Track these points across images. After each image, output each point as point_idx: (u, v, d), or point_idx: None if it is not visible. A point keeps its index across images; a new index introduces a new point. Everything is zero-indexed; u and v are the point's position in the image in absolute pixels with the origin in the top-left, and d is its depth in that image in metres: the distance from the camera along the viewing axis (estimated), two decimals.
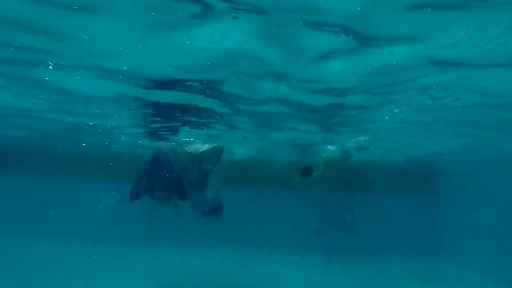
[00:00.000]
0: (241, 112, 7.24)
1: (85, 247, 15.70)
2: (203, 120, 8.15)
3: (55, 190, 16.07)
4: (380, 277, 14.69)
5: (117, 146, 13.16)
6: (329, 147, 12.50)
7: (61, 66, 4.84)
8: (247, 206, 16.28)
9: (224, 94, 6.02)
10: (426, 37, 3.64)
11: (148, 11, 3.29)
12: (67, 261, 15.06)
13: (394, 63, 4.33)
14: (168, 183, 8.45)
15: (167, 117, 7.94)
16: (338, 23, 3.38)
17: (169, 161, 8.88)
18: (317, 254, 16.03)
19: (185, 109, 7.11)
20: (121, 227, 15.93)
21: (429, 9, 3.11)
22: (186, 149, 10.28)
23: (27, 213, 15.87)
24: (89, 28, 3.68)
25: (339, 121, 7.89)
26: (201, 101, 6.48)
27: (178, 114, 7.65)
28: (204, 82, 5.36)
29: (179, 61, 4.53)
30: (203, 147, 10.31)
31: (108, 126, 9.34)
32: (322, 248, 16.07)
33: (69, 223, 15.87)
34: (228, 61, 4.44)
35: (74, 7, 3.27)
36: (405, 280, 14.24)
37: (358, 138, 10.03)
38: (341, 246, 16.08)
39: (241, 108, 6.89)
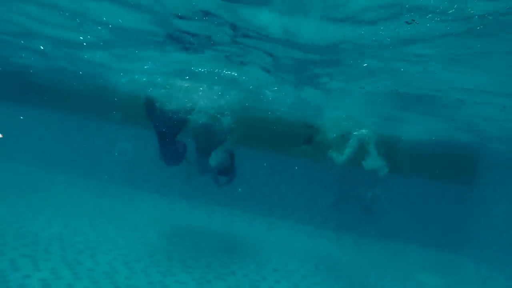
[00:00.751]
0: None
1: (97, 186, 15.73)
2: None
3: (75, 127, 16.04)
4: (392, 263, 13.70)
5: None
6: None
7: None
8: (262, 169, 15.57)
9: None
10: None
11: None
12: (77, 197, 15.15)
13: None
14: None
15: None
16: None
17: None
18: (330, 229, 15.20)
19: None
20: (135, 172, 15.76)
21: None
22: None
23: (46, 145, 16.02)
24: None
25: None
26: None
27: None
28: None
29: None
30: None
31: None
32: (335, 223, 15.20)
33: (84, 161, 15.88)
34: None
35: None
36: (418, 270, 13.17)
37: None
38: (356, 224, 15.13)
39: None
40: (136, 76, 11.37)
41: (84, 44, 8.75)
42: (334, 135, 12.66)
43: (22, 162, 16.15)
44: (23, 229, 9.48)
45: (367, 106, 10.21)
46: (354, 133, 12.52)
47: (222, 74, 9.42)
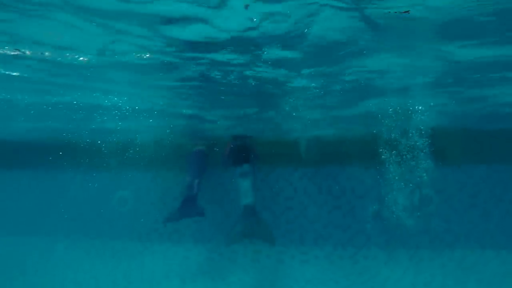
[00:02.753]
0: None
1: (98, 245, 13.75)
2: None
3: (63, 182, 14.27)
4: (469, 278, 10.88)
5: None
6: None
7: None
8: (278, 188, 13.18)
9: None
10: None
11: None
12: (75, 265, 13.23)
13: None
14: None
15: None
16: None
17: None
18: (376, 246, 12.50)
19: None
20: (139, 221, 13.71)
21: None
22: None
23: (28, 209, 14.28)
24: None
25: None
26: None
27: None
28: None
29: None
30: None
31: None
32: (381, 238, 12.50)
33: (77, 218, 14.00)
34: None
35: None
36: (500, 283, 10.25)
37: None
38: (407, 236, 12.38)
39: None
40: None
41: None
42: None
43: (8, 233, 14.41)
44: None
45: None
46: None
47: None
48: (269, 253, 12.88)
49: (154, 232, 13.63)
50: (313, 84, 7.72)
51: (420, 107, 10.12)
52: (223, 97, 8.64)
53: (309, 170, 13.11)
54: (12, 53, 5.78)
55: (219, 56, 6.08)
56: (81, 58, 6.07)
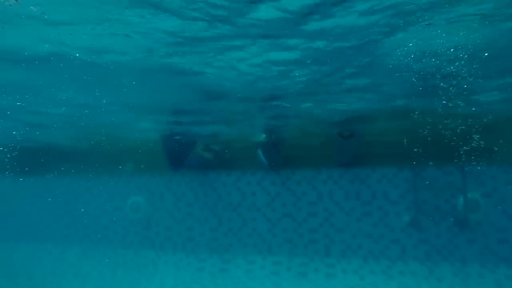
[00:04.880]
0: None
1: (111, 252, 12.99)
2: None
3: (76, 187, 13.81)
4: None
5: None
6: None
7: None
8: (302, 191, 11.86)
9: None
10: None
11: None
12: (85, 273, 12.52)
13: None
14: None
15: None
16: None
17: None
18: (414, 260, 10.79)
19: None
20: (152, 230, 12.88)
21: None
22: None
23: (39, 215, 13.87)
24: None
25: None
26: None
27: None
28: None
29: None
30: None
31: None
32: (421, 251, 10.79)
33: (91, 227, 13.38)
34: None
35: None
36: None
37: None
38: (451, 248, 10.58)
39: None
40: None
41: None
42: None
43: (19, 240, 14.04)
44: None
45: None
46: None
47: None
48: (289, 265, 11.52)
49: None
50: None
51: None
52: None
53: (335, 171, 11.74)
54: None
55: None
56: None
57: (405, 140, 11.39)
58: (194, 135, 11.18)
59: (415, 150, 11.06)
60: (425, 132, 10.78)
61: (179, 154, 10.14)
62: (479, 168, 10.63)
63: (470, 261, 10.37)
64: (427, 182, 10.85)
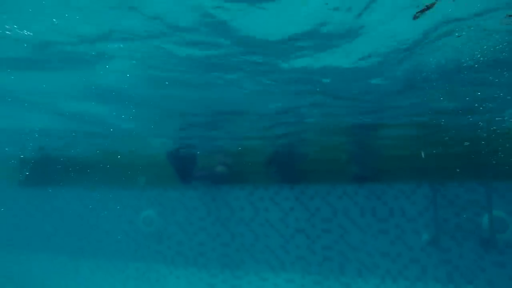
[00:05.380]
0: None
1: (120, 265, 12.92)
2: None
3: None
4: None
5: None
6: None
7: None
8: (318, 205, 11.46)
9: None
10: None
11: None
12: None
13: None
14: None
15: None
16: None
17: None
18: (435, 280, 10.15)
19: None
20: (164, 243, 12.75)
21: None
22: None
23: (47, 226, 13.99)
24: None
25: None
26: None
27: None
28: None
29: None
30: None
31: None
32: (442, 271, 10.15)
33: (104, 239, 13.39)
34: None
35: None
36: None
37: None
38: (475, 269, 9.90)
39: None
40: None
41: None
42: None
43: (32, 251, 14.18)
44: None
45: None
46: None
47: None
48: (303, 283, 11.09)
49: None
50: None
51: None
52: None
53: (350, 187, 11.32)
54: None
55: None
56: None
57: (422, 153, 10.88)
58: (200, 147, 11.07)
59: (434, 164, 10.51)
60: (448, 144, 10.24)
61: (187, 167, 10.02)
62: (506, 184, 9.97)
63: (497, 285, 9.66)
64: (447, 199, 10.26)
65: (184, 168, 10.00)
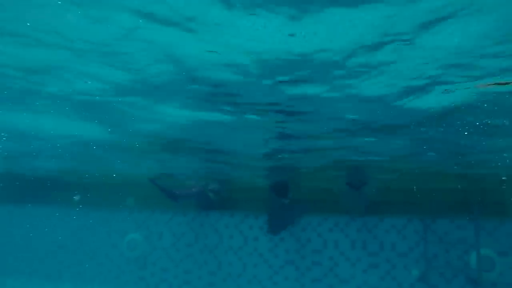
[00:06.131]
0: None
1: None
2: None
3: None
4: None
5: None
6: None
7: None
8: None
9: None
10: None
11: None
12: None
13: None
14: None
15: None
16: None
17: None
18: None
19: None
20: (148, 270, 12.32)
21: None
22: None
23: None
24: None
25: None
26: None
27: None
28: None
29: None
30: None
31: None
32: None
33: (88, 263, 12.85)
34: None
35: None
36: None
37: None
38: None
39: None
40: None
41: None
42: None
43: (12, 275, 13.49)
44: None
45: None
46: None
47: None
48: None
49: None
50: None
51: None
52: None
53: (341, 219, 11.29)
54: None
55: None
56: None
57: (415, 188, 11.02)
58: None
59: (426, 200, 10.64)
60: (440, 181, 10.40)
61: (174, 190, 9.70)
62: (493, 223, 10.14)
63: None
64: (437, 235, 10.35)
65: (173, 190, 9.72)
